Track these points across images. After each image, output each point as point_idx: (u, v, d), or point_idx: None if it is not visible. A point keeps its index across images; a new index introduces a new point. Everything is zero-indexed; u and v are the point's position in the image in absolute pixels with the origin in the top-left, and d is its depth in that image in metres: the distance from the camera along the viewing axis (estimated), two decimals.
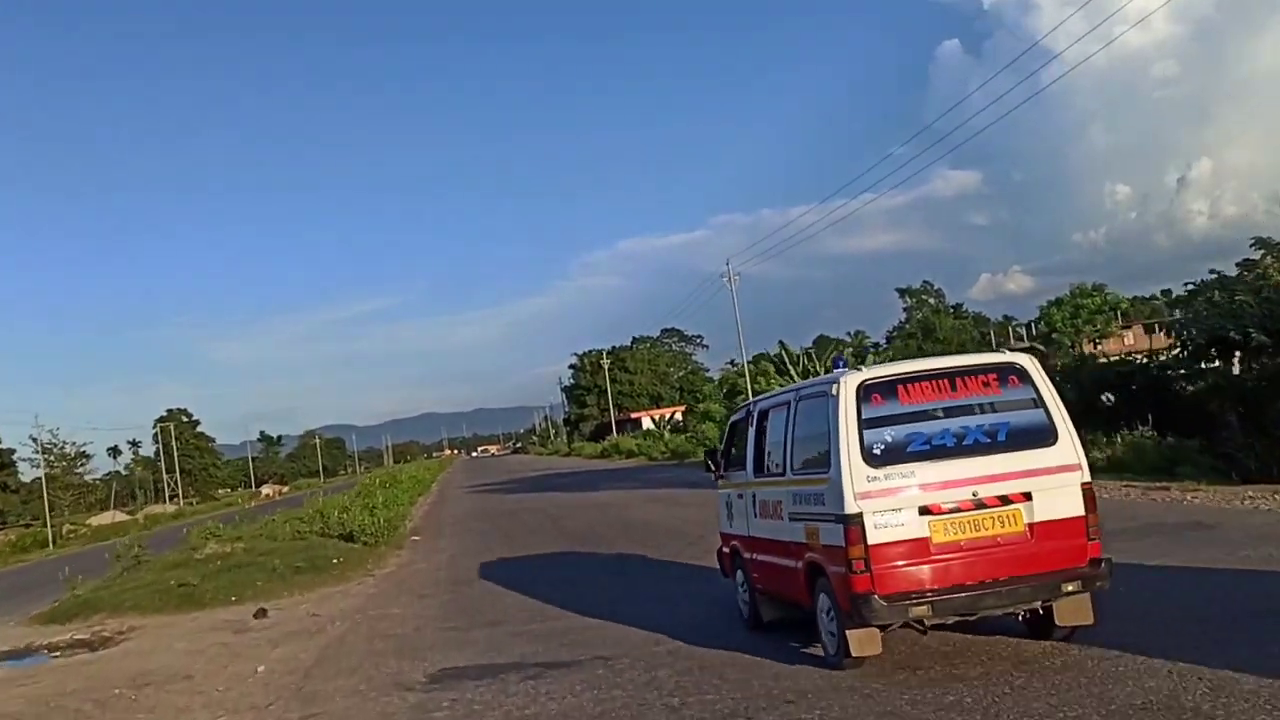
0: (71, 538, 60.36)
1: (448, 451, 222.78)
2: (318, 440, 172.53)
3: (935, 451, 6.41)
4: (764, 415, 8.24)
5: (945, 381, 6.67)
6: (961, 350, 43.75)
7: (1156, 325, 53.66)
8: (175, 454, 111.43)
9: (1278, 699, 5.13)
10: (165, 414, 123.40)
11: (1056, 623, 6.59)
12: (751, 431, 8.42)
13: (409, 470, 62.81)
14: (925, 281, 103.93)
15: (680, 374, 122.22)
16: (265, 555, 17.20)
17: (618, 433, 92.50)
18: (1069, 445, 6.51)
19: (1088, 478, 6.50)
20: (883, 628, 6.36)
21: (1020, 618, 6.77)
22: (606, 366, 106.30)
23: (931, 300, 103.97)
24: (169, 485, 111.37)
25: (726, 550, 9.21)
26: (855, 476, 6.28)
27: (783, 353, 42.66)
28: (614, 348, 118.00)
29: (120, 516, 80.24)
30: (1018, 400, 6.64)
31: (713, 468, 9.44)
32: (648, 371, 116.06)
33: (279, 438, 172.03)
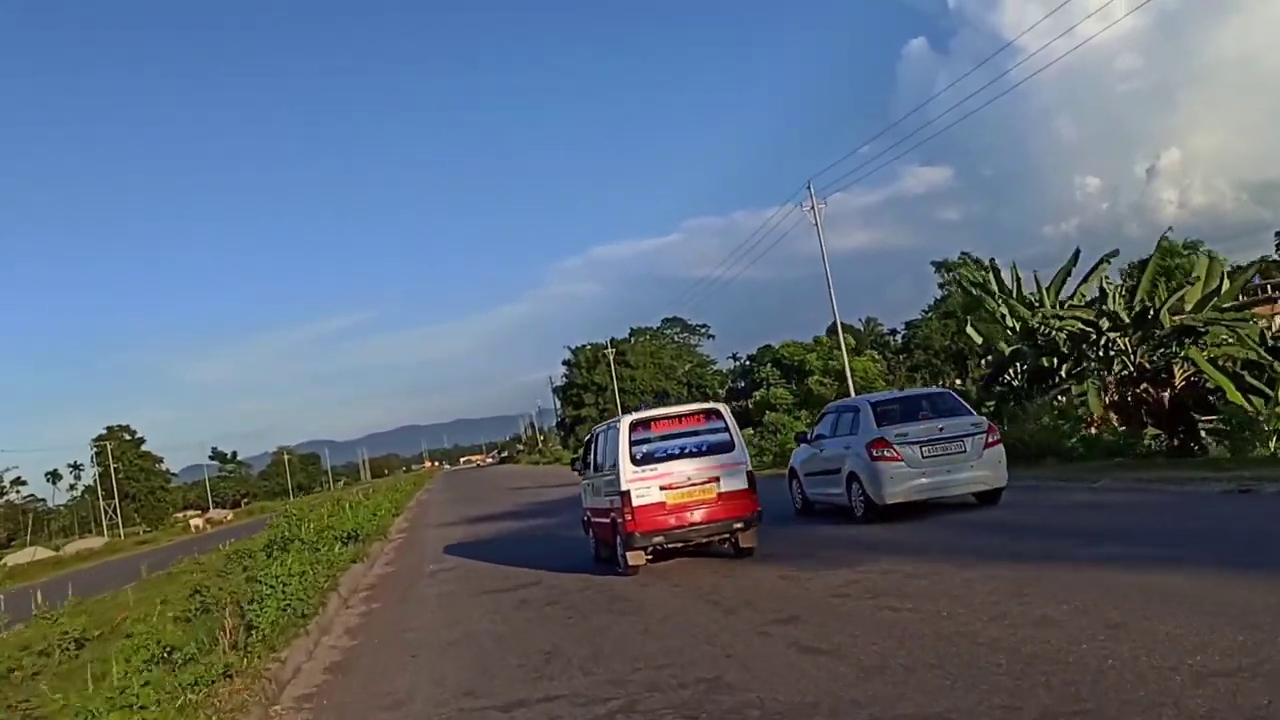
0: None
1: (428, 464, 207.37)
2: (285, 457, 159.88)
3: (669, 457, 11.73)
4: (595, 437, 13.87)
5: (676, 419, 12.06)
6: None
7: None
8: (115, 476, 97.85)
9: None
10: (105, 431, 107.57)
11: (741, 546, 12.11)
12: (593, 446, 13.78)
13: (379, 492, 48.03)
14: (963, 254, 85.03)
15: (686, 367, 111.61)
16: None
17: None
18: (741, 452, 11.97)
19: (750, 468, 12.02)
20: (643, 550, 11.73)
21: (722, 544, 12.39)
22: (610, 357, 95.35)
23: (970, 274, 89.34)
24: (107, 513, 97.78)
25: (584, 519, 14.45)
26: (626, 470, 11.56)
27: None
28: (612, 340, 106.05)
29: (42, 553, 71.50)
30: (714, 428, 12.03)
31: (576, 469, 15.04)
32: (650, 365, 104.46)
33: (233, 454, 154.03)
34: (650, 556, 12.10)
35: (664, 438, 11.92)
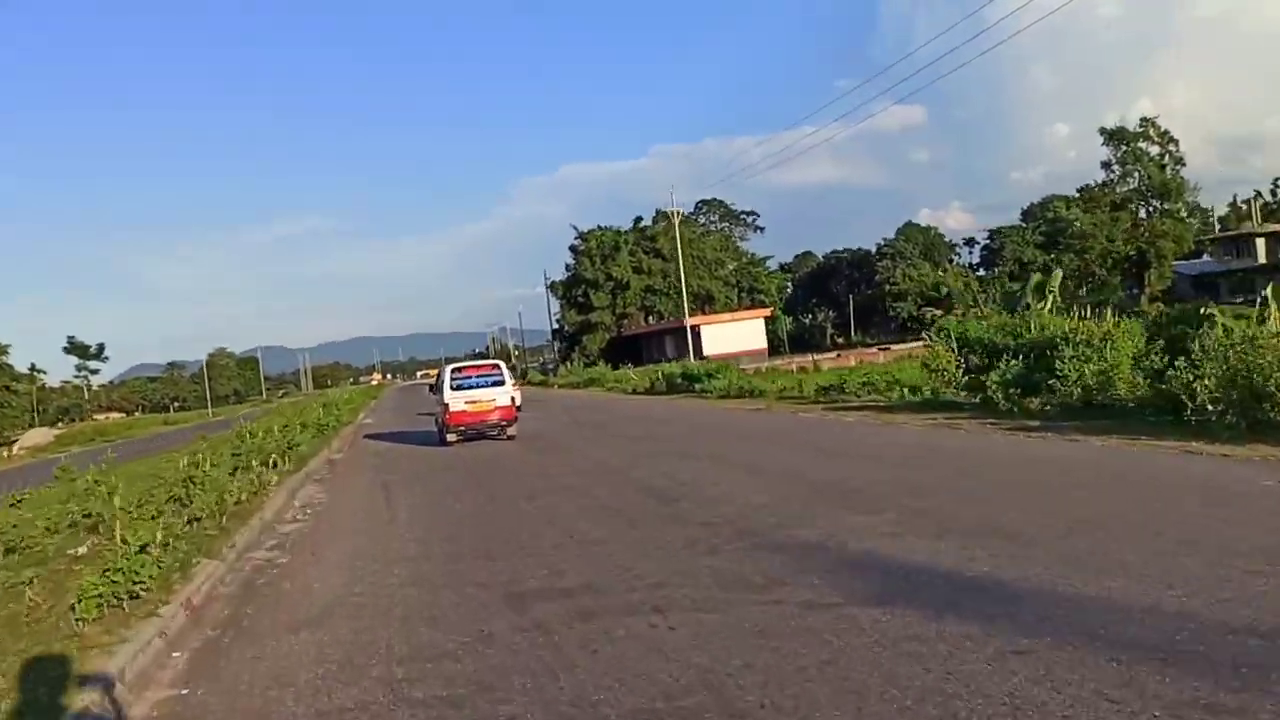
0: None
1: (377, 377, 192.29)
2: (198, 366, 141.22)
3: (472, 387, 21.17)
4: (440, 376, 22.38)
5: (476, 368, 22.17)
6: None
7: None
8: None
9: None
10: None
11: (507, 434, 21.65)
12: (440, 380, 22.23)
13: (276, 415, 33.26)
14: (1144, 119, 70.53)
15: (731, 265, 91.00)
16: None
17: (662, 351, 67.66)
18: (509, 386, 21.51)
19: (513, 395, 21.75)
20: (457, 434, 21.26)
21: (496, 436, 21.82)
22: (674, 231, 68.30)
23: (1154, 149, 71.85)
24: None
25: (435, 419, 23.19)
26: (448, 393, 20.98)
27: None
28: (638, 221, 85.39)
29: None
30: (497, 374, 21.61)
31: (431, 390, 26.26)
32: (689, 258, 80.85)
33: (99, 350, 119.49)
34: (458, 438, 21.41)
35: (469, 377, 21.47)
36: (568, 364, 75.00)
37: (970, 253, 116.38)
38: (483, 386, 20.90)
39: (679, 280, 73.58)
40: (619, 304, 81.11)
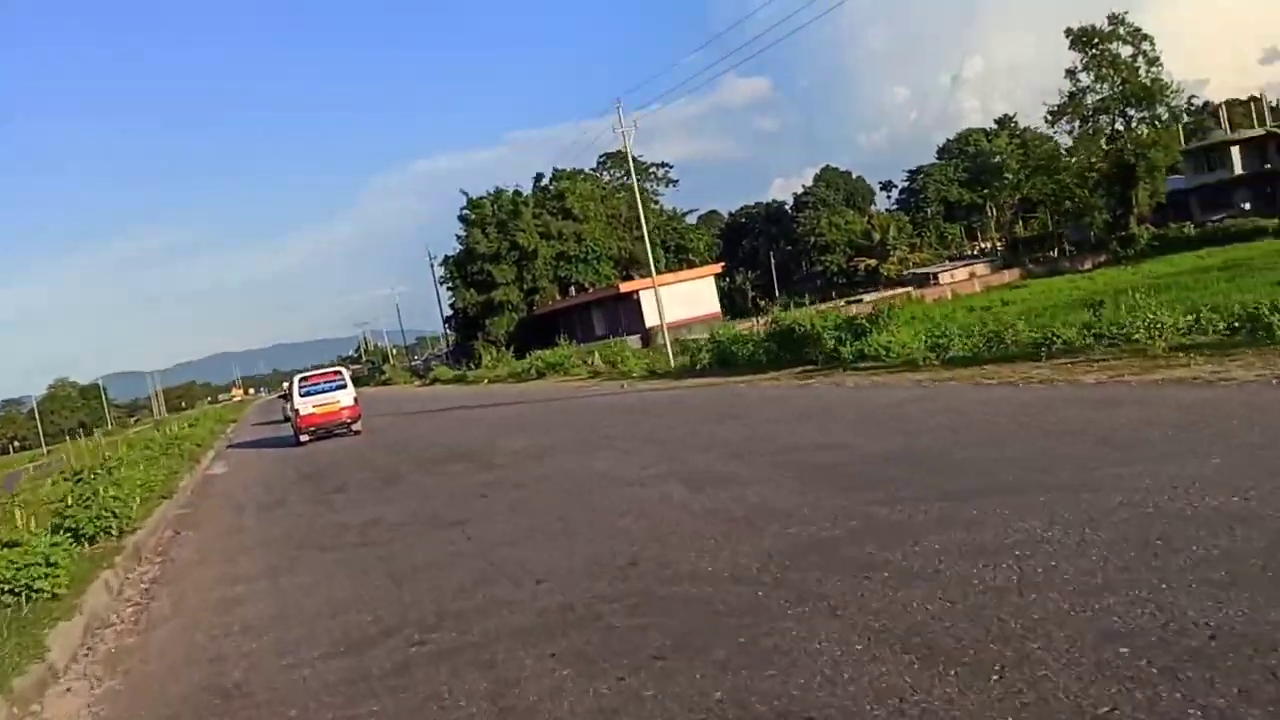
0: None
1: (238, 393, 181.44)
2: (29, 402, 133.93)
3: (319, 392, 25.12)
4: (290, 386, 27.25)
5: (324, 374, 26.26)
6: None
7: None
8: None
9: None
10: None
11: (354, 430, 25.05)
12: (290, 390, 27.13)
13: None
14: (1113, 16, 58.63)
15: (654, 224, 75.52)
16: None
17: (589, 328, 57.45)
18: (350, 389, 25.23)
19: (355, 397, 25.40)
20: (309, 434, 24.93)
21: (345, 433, 25.18)
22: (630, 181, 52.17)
23: (1127, 50, 59.16)
24: None
25: (292, 420, 25.99)
26: (297, 399, 25.05)
27: None
28: (539, 179, 74.89)
29: None
30: (340, 380, 25.51)
31: (283, 399, 35.68)
32: (603, 218, 71.93)
33: None
34: (310, 437, 24.80)
35: (316, 384, 25.24)
36: (495, 349, 59.77)
37: (888, 197, 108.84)
38: (328, 391, 24.95)
39: (601, 242, 61.53)
40: (527, 278, 68.44)
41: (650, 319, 54.06)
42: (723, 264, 72.13)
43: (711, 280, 59.92)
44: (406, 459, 17.54)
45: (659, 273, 65.98)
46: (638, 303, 54.44)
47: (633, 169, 41.02)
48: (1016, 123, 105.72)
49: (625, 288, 57.29)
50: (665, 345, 35.54)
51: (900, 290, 62.48)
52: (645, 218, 40.77)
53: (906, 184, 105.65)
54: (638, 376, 30.51)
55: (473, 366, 60.44)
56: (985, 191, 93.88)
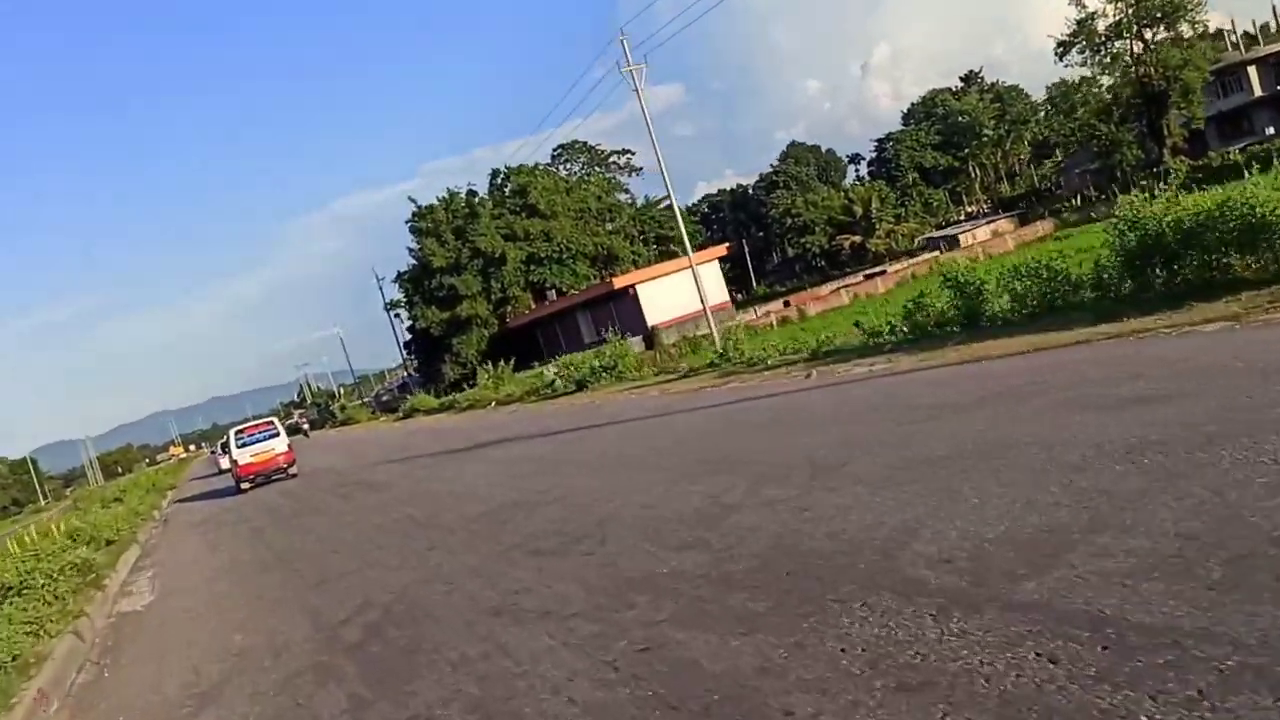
0: None
1: (177, 451, 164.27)
2: None
3: (255, 442, 26.84)
4: (226, 438, 29.87)
5: (255, 427, 27.72)
6: None
7: None
8: None
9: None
10: None
11: (290, 474, 26.93)
12: (226, 442, 30.06)
13: None
14: None
15: (624, 216, 73.81)
16: None
17: (576, 336, 51.05)
18: (284, 438, 27.01)
19: (288, 444, 27.07)
20: (249, 482, 26.65)
21: (283, 478, 27.02)
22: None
23: None
24: None
25: (232, 473, 28.03)
26: (235, 450, 26.95)
27: None
28: (494, 176, 67.12)
29: None
30: (273, 430, 27.35)
31: (222, 451, 38.86)
32: (572, 213, 64.52)
33: None
34: (250, 485, 26.37)
35: (251, 435, 26.89)
36: (492, 366, 46.23)
37: (858, 170, 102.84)
38: (263, 440, 26.70)
39: (574, 239, 53.65)
40: (495, 287, 60.59)
41: (652, 317, 46.54)
42: (729, 246, 63.90)
43: (716, 266, 51.37)
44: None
45: (648, 264, 59.79)
46: (635, 299, 46.93)
47: (644, 108, 32.45)
48: (983, 78, 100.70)
49: (619, 283, 49.91)
50: (713, 333, 29.01)
51: (920, 258, 55.98)
52: (668, 188, 32.72)
53: (875, 154, 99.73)
54: (805, 358, 20.07)
55: (447, 392, 52.14)
56: (966, 152, 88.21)
